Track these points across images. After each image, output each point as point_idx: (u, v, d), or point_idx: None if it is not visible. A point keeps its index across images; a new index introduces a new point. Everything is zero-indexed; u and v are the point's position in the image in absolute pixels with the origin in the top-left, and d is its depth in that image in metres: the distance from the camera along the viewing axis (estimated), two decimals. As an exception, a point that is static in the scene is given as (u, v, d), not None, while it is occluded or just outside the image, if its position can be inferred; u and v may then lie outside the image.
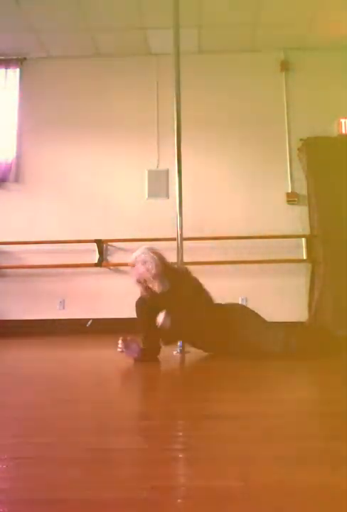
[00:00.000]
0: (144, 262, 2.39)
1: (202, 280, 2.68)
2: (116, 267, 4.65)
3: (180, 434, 1.06)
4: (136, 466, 0.85)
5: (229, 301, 2.63)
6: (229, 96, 4.82)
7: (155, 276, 2.37)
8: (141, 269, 2.39)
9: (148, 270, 2.38)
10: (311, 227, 4.55)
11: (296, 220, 4.62)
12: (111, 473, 0.81)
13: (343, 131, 4.67)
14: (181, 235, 2.90)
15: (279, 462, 0.85)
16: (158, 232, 4.11)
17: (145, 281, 2.40)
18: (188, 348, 2.63)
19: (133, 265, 2.44)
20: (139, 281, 2.42)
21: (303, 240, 4.59)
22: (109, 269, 4.66)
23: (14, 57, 4.92)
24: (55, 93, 4.94)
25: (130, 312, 2.56)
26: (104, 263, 4.62)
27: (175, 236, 2.92)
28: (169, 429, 1.10)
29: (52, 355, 2.96)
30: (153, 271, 2.37)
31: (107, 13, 4.24)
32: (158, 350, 2.41)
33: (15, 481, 0.80)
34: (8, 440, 1.03)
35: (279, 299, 4.43)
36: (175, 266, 2.74)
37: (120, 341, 2.30)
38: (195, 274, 2.62)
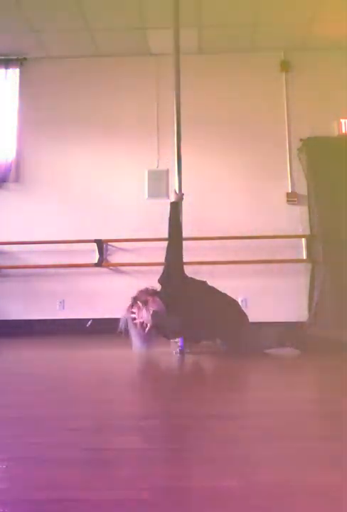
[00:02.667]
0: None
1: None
2: (116, 267, 4.65)
3: (181, 434, 1.06)
4: (136, 466, 0.85)
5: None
6: (229, 96, 4.83)
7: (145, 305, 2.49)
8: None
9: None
10: (311, 227, 4.56)
11: (296, 220, 4.62)
12: (111, 473, 0.81)
13: (343, 131, 4.67)
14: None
15: (279, 462, 0.85)
16: (158, 232, 4.10)
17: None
18: (188, 348, 2.63)
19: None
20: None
21: (303, 240, 4.59)
22: (109, 269, 4.66)
23: (14, 57, 4.93)
24: (55, 93, 4.94)
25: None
26: (104, 263, 4.62)
27: (175, 236, 2.93)
28: (169, 429, 1.10)
29: (52, 355, 2.96)
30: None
31: (107, 13, 4.24)
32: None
33: (15, 481, 0.79)
34: (8, 440, 1.03)
35: (279, 299, 4.43)
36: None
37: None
38: (194, 275, 2.69)
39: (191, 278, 2.71)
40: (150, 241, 4.41)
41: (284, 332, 2.62)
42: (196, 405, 1.34)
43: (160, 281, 2.66)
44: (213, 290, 2.66)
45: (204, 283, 2.68)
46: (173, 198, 2.87)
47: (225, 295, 2.66)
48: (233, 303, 2.67)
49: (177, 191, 2.91)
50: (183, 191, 2.92)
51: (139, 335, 2.42)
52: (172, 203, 2.84)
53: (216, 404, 1.36)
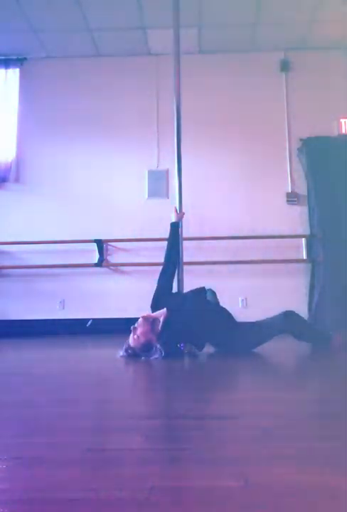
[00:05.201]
0: (137, 328, 2.44)
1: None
2: (116, 267, 4.65)
3: (180, 434, 1.06)
4: (136, 466, 0.85)
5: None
6: (229, 96, 4.83)
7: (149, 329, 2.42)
8: (141, 332, 2.42)
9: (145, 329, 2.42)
10: (311, 227, 4.56)
11: (296, 220, 4.62)
12: (111, 473, 0.81)
13: (343, 131, 4.67)
14: (181, 234, 2.90)
15: (279, 462, 0.85)
16: (158, 232, 4.11)
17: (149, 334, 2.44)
18: (189, 349, 2.63)
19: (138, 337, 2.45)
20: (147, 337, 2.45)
21: (303, 240, 4.59)
22: (109, 269, 4.66)
23: (14, 57, 4.93)
24: (55, 93, 4.95)
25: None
26: (104, 263, 4.62)
27: (175, 236, 2.92)
28: (169, 429, 1.10)
29: (52, 355, 2.96)
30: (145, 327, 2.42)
31: (107, 13, 4.24)
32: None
33: (15, 481, 0.79)
34: (8, 440, 1.03)
35: (279, 299, 4.43)
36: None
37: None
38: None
39: (182, 293, 2.71)
40: (150, 241, 4.42)
41: (284, 319, 2.61)
42: (196, 405, 1.34)
43: (152, 306, 2.63)
44: (206, 301, 2.63)
45: (202, 289, 2.64)
46: (173, 218, 2.83)
47: (214, 305, 2.65)
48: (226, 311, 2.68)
49: (177, 210, 2.87)
50: (183, 210, 2.89)
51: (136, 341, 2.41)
52: (173, 224, 2.80)
53: (216, 405, 1.36)
